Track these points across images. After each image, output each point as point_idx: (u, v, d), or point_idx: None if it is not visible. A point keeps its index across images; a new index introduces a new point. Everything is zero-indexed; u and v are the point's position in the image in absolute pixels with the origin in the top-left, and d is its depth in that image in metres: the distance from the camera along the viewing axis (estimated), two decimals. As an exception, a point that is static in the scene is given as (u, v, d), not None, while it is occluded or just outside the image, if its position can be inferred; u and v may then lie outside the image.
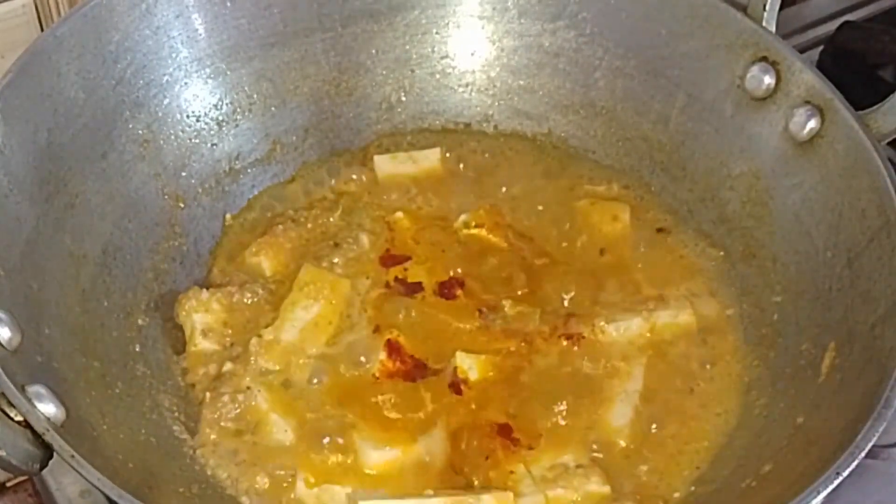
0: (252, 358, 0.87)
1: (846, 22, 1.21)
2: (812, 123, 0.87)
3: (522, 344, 0.89)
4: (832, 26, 1.21)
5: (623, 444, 0.84)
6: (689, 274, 0.94)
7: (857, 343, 0.78)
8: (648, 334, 0.89)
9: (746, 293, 0.92)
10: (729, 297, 0.92)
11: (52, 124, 0.85)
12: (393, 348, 0.87)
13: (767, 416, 0.82)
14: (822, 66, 1.13)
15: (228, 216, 0.98)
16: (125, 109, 0.92)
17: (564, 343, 0.89)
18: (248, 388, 0.85)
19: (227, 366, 0.87)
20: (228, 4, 0.96)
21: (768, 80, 0.90)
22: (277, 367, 0.87)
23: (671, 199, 0.98)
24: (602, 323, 0.89)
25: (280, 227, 0.96)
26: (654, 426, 0.85)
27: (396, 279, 0.93)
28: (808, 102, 0.87)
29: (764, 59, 0.90)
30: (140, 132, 0.93)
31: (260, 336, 0.88)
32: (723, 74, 0.93)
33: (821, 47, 1.21)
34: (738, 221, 0.93)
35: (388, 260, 0.94)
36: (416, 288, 0.92)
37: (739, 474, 0.79)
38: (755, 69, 0.91)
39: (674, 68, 0.97)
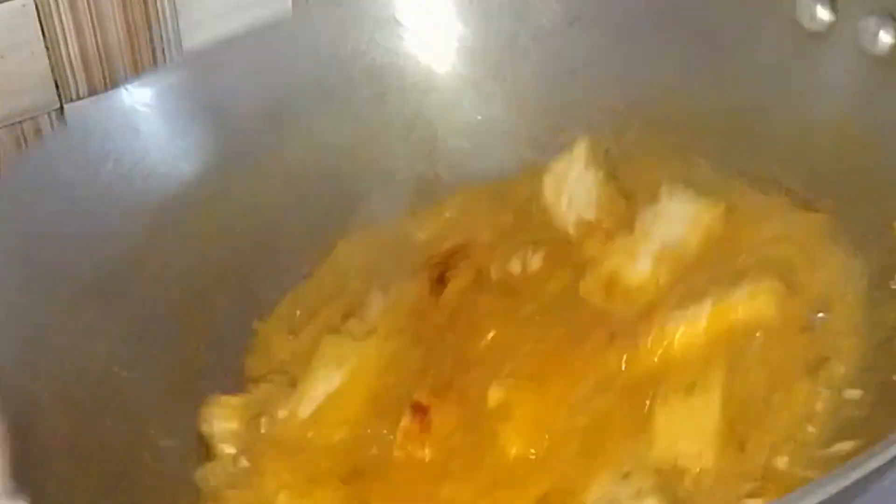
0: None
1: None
2: (886, 36, 0.74)
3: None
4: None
5: (699, 466, 0.65)
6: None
7: None
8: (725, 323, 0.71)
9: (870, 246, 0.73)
10: (845, 258, 0.74)
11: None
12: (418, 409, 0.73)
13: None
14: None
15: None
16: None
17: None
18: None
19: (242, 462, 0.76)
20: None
21: (821, 9, 0.78)
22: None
23: (757, 165, 0.82)
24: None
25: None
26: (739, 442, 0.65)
27: None
28: (874, 14, 0.75)
29: (809, -12, 0.78)
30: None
31: (272, 416, 0.77)
32: (771, 20, 0.81)
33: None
34: (839, 169, 0.78)
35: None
36: None
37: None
38: (803, 3, 0.78)
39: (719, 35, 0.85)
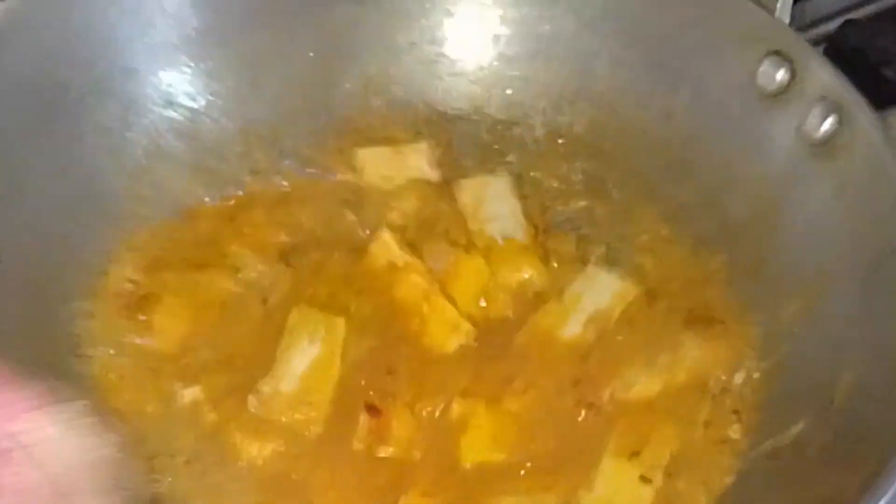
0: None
1: (848, 20, 1.16)
2: (828, 124, 0.81)
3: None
4: (834, 25, 1.16)
5: None
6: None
7: (878, 372, 0.70)
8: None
9: (752, 310, 0.84)
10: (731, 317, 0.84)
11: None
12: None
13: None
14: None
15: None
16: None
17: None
18: None
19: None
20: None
21: (782, 74, 0.84)
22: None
23: (672, 202, 0.91)
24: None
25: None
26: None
27: None
28: (823, 100, 0.81)
29: (777, 52, 0.84)
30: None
31: (258, 391, 0.80)
32: (732, 68, 0.87)
33: (823, 45, 1.15)
34: (745, 229, 0.86)
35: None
36: None
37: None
38: (767, 63, 0.84)
39: (679, 59, 0.90)
